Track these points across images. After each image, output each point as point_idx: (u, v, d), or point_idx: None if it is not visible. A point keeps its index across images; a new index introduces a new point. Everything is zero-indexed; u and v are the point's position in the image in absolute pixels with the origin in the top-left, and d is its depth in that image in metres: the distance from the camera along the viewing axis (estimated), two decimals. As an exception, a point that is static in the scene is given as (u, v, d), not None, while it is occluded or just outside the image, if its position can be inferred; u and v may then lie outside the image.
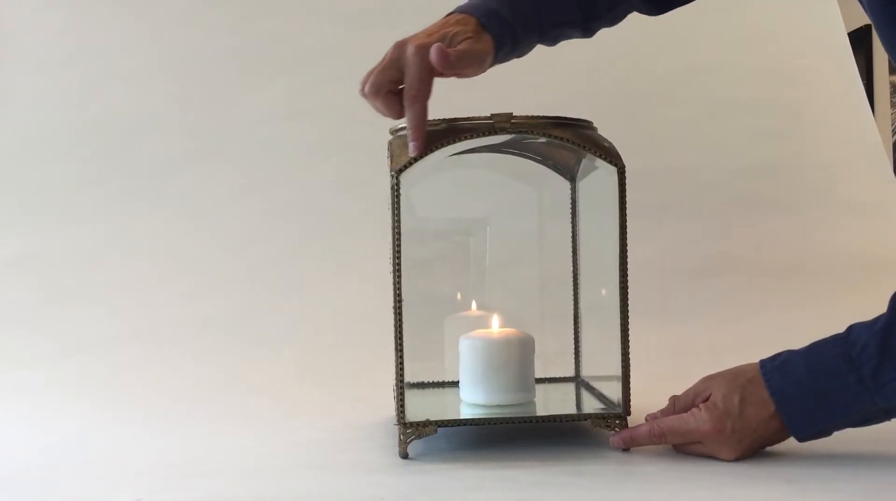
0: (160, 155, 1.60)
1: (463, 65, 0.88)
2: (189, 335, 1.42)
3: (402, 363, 0.90)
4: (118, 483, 0.85)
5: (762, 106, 1.67)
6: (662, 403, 0.93)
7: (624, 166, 0.91)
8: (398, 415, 0.90)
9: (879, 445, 0.88)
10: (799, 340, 0.87)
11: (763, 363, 0.87)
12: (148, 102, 1.62)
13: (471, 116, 0.91)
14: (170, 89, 1.63)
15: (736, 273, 1.53)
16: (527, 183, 1.18)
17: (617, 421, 0.91)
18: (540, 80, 1.50)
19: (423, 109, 0.88)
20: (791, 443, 0.87)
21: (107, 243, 1.54)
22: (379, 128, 0.95)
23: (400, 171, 0.89)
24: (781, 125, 1.66)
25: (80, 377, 1.33)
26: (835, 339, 0.83)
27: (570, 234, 1.12)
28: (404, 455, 0.89)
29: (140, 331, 1.43)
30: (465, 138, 0.90)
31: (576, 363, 1.12)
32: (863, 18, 0.89)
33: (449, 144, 0.89)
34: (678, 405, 0.90)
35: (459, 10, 0.94)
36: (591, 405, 0.99)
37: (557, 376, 1.12)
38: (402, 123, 0.90)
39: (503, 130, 0.90)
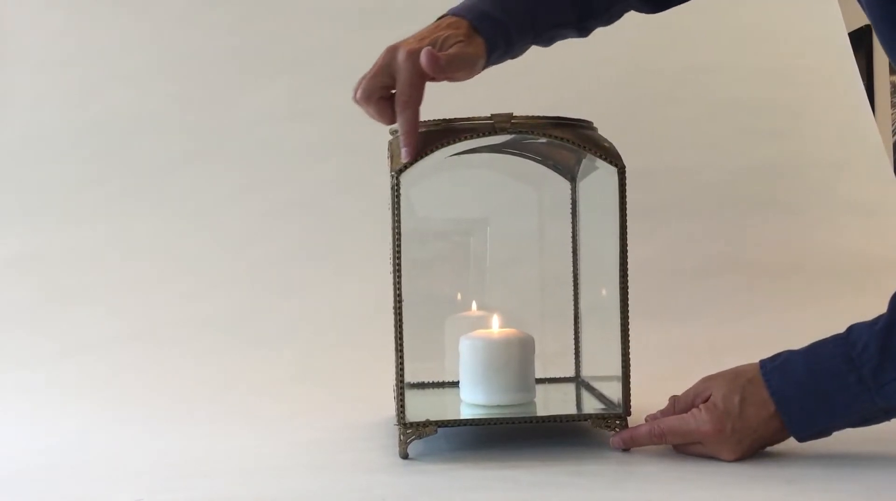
0: (160, 155, 1.60)
1: (453, 69, 0.88)
2: (189, 335, 1.42)
3: (402, 364, 0.90)
4: (118, 483, 0.85)
5: (762, 106, 1.67)
6: (662, 403, 0.93)
7: (624, 166, 0.91)
8: (398, 415, 0.90)
9: (879, 445, 0.89)
10: (799, 340, 0.87)
11: (763, 363, 0.87)
12: (148, 102, 1.62)
13: (471, 116, 0.91)
14: (170, 89, 1.63)
15: (736, 273, 1.53)
16: (527, 183, 1.18)
17: (617, 421, 0.91)
18: (540, 80, 1.50)
19: (415, 115, 0.88)
20: (791, 443, 0.87)
21: (107, 243, 1.54)
22: (379, 128, 0.95)
23: (400, 171, 0.89)
24: (781, 125, 1.66)
25: (80, 377, 1.33)
26: (835, 339, 0.83)
27: (571, 234, 1.12)
28: (404, 456, 0.89)
29: (140, 331, 1.43)
30: (466, 139, 0.90)
31: (576, 363, 1.12)
32: (863, 18, 0.89)
33: (449, 144, 0.89)
34: (678, 405, 0.90)
35: (452, 12, 0.93)
36: (591, 406, 0.99)
37: (557, 376, 1.12)
38: (402, 124, 0.90)
39: (503, 131, 0.90)
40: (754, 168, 1.62)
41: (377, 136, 1.00)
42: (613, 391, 0.94)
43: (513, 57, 0.97)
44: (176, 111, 1.62)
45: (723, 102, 1.66)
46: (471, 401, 0.96)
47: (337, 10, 1.66)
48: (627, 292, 0.91)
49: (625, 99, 1.62)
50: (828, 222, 1.61)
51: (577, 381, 1.12)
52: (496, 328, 0.99)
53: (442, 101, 0.94)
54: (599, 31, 1.05)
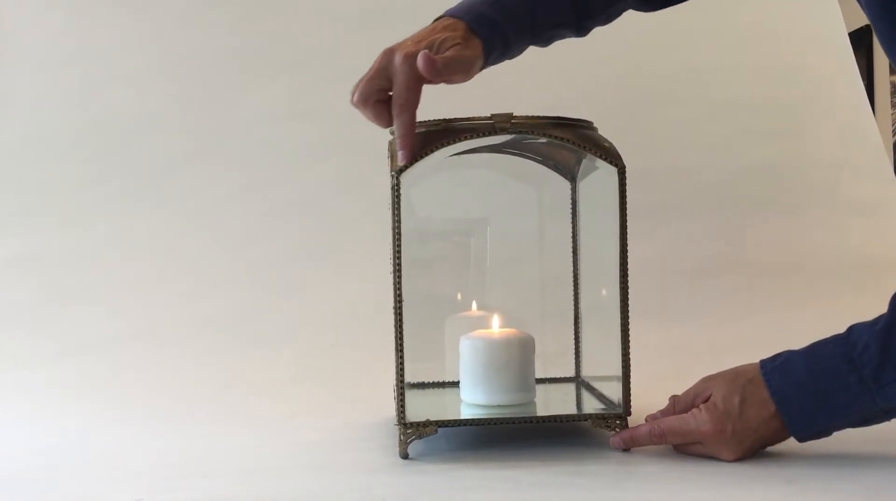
0: (160, 155, 1.60)
1: (450, 72, 0.88)
2: (189, 335, 1.42)
3: (402, 364, 0.90)
4: (118, 483, 0.85)
5: (762, 106, 1.67)
6: (662, 403, 0.93)
7: (624, 166, 0.91)
8: (398, 415, 0.90)
9: (879, 445, 0.88)
10: (799, 340, 0.87)
11: (763, 363, 0.86)
12: (148, 102, 1.62)
13: (471, 116, 0.91)
14: (170, 89, 1.63)
15: (736, 273, 1.53)
16: (527, 183, 1.18)
17: (617, 421, 0.91)
18: (540, 80, 1.50)
19: (412, 118, 0.88)
20: (791, 443, 0.87)
21: (107, 243, 1.54)
22: (378, 128, 0.95)
23: (400, 171, 0.88)
24: (781, 125, 1.66)
25: (80, 377, 1.33)
26: (835, 339, 0.83)
27: (571, 234, 1.11)
28: (404, 456, 0.89)
29: (140, 331, 1.43)
30: (466, 139, 0.90)
31: (576, 363, 1.12)
32: (863, 18, 0.89)
33: (449, 144, 0.89)
34: (678, 405, 0.90)
35: (449, 13, 0.93)
36: (591, 406, 0.99)
37: (558, 376, 1.12)
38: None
39: (503, 131, 0.90)
40: (754, 168, 1.62)
41: (377, 136, 1.00)
42: (613, 391, 0.94)
43: (511, 57, 0.97)
44: (176, 111, 1.62)
45: (723, 102, 1.66)
46: (471, 401, 0.96)
47: (337, 10, 1.66)
48: (627, 292, 0.91)
49: (625, 99, 1.62)
50: (828, 222, 1.61)
51: (578, 381, 1.12)
52: (496, 328, 0.99)
53: (442, 101, 0.94)
54: (600, 32, 1.05)
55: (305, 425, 1.07)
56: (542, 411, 0.97)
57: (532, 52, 1.00)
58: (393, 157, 0.91)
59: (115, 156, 1.60)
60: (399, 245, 0.88)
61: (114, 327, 1.44)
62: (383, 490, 0.80)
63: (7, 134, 1.61)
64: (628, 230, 0.91)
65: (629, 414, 0.91)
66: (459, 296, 1.16)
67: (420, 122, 0.90)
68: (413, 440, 0.89)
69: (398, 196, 0.89)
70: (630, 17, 1.06)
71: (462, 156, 0.99)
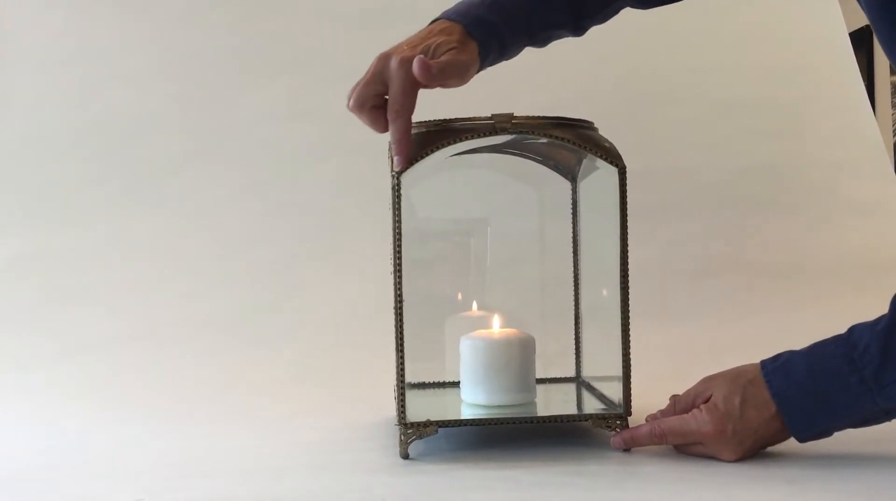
0: (160, 155, 1.60)
1: (446, 77, 0.87)
2: (189, 335, 1.42)
3: (402, 364, 0.90)
4: (118, 483, 0.85)
5: (762, 106, 1.67)
6: (663, 403, 0.93)
7: (624, 167, 0.91)
8: (399, 415, 0.90)
9: (879, 445, 0.89)
10: (799, 340, 0.87)
11: (764, 363, 0.86)
12: (148, 102, 1.62)
13: (471, 116, 0.90)
14: (170, 89, 1.63)
15: (736, 273, 1.53)
16: (527, 183, 1.18)
17: (617, 422, 0.91)
18: (540, 80, 1.50)
19: (407, 123, 0.88)
20: (791, 443, 0.87)
21: (107, 243, 1.54)
22: (378, 129, 0.95)
23: (400, 171, 0.88)
24: (781, 125, 1.66)
25: (80, 377, 1.33)
26: (836, 340, 0.83)
27: (571, 234, 1.11)
28: (405, 456, 0.89)
29: (140, 331, 1.43)
30: (466, 139, 0.90)
31: (576, 363, 1.12)
32: (863, 18, 0.89)
33: (449, 144, 0.89)
34: (679, 405, 0.90)
35: (445, 16, 0.93)
36: (591, 406, 0.99)
37: (558, 376, 1.12)
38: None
39: (504, 131, 0.90)
40: (754, 168, 1.62)
41: (377, 136, 0.99)
42: (614, 392, 0.94)
43: (507, 58, 0.97)
44: (176, 111, 1.62)
45: (723, 102, 1.66)
46: (471, 401, 0.96)
47: (337, 10, 1.66)
48: (628, 292, 0.91)
49: (625, 99, 1.62)
50: (828, 222, 1.61)
51: (578, 381, 1.12)
52: (497, 328, 0.99)
53: (442, 101, 0.94)
54: (600, 32, 1.04)
55: (305, 425, 1.07)
56: (542, 411, 0.97)
57: (532, 52, 1.00)
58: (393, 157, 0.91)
59: (115, 156, 1.60)
60: (399, 245, 0.88)
61: (114, 327, 1.44)
62: (383, 490, 0.80)
63: (7, 134, 1.61)
64: (629, 230, 0.91)
65: (629, 414, 0.91)
66: (460, 296, 1.16)
67: (420, 122, 0.90)
68: (413, 440, 0.89)
69: (398, 196, 0.89)
70: (630, 17, 1.06)
71: (462, 156, 0.99)
